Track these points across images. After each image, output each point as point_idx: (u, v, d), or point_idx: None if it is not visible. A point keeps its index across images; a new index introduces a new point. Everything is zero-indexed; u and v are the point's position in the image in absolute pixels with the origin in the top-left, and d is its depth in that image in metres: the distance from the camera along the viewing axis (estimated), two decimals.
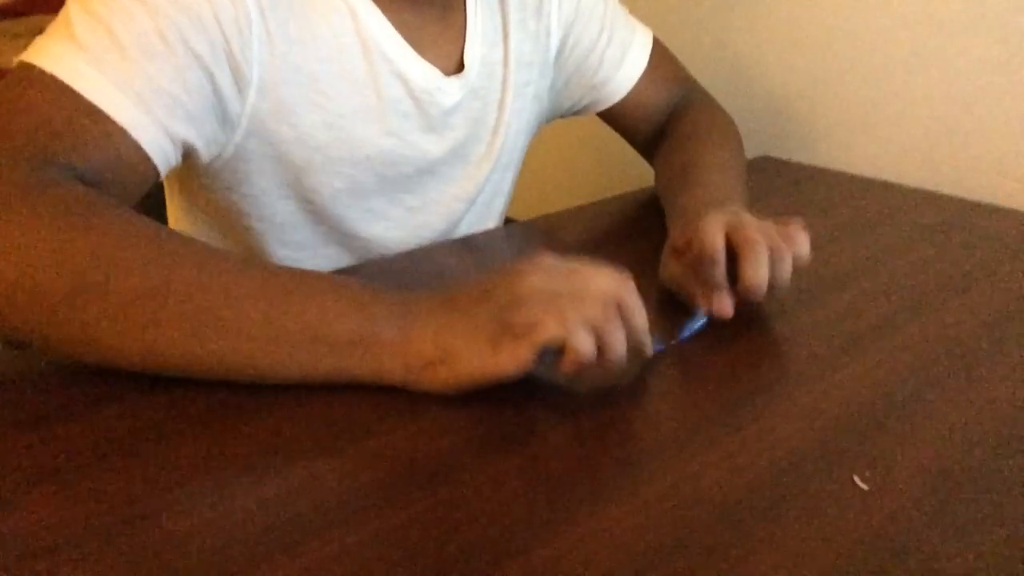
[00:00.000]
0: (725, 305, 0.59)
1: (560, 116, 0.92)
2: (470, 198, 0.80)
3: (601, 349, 0.47)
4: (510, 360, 0.46)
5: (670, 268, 0.64)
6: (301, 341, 0.47)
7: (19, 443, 0.44)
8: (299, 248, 0.74)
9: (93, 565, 0.36)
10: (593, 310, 0.47)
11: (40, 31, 0.56)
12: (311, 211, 0.72)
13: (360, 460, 0.44)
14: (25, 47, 0.55)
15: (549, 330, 0.46)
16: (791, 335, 0.60)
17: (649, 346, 0.51)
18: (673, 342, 0.57)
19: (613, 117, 0.91)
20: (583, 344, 0.46)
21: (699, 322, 0.59)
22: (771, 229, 0.59)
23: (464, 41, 0.75)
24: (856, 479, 0.44)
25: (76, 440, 0.44)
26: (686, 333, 0.58)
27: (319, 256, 0.75)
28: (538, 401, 0.49)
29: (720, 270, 0.58)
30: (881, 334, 0.59)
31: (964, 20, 0.93)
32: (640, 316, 0.49)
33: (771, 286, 0.58)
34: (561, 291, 0.47)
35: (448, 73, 0.73)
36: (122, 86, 0.55)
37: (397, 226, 0.77)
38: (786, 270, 0.58)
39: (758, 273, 0.57)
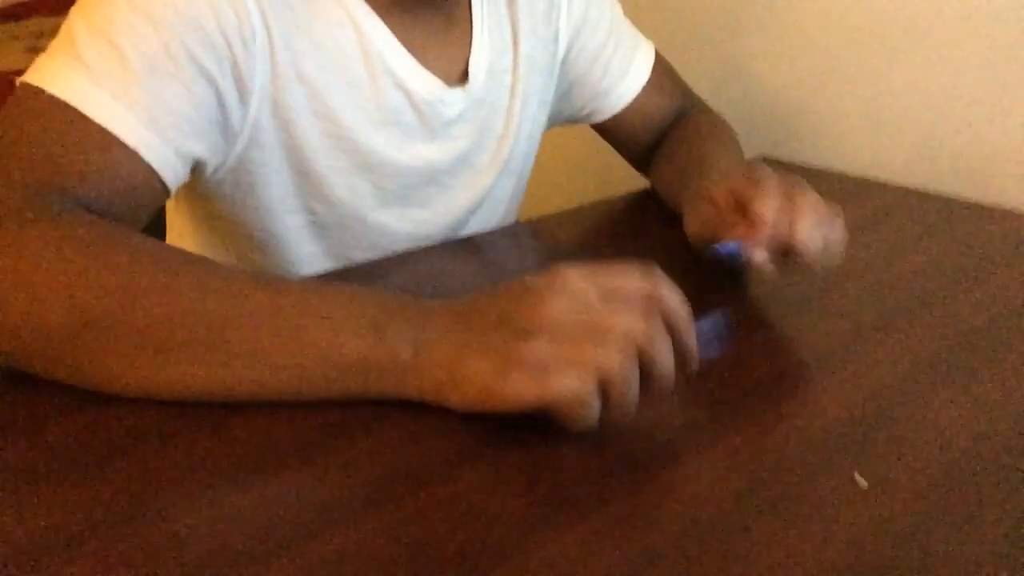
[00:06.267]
0: (761, 238, 0.56)
1: (558, 125, 0.91)
2: (474, 207, 0.80)
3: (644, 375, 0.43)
4: (513, 393, 0.43)
5: (701, 212, 0.62)
6: (313, 364, 0.45)
7: (18, 442, 0.44)
8: (304, 263, 0.73)
9: (93, 565, 0.36)
10: (616, 358, 0.42)
11: (40, 33, 0.56)
12: (315, 223, 0.71)
13: (359, 459, 0.44)
14: (24, 49, 0.55)
15: (567, 387, 0.42)
16: (791, 334, 0.60)
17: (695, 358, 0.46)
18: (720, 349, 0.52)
19: (611, 128, 0.90)
20: (593, 407, 0.42)
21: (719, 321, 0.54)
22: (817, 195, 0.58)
23: (469, 50, 0.74)
24: (856, 476, 0.43)
25: (76, 440, 0.44)
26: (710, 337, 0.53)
27: (324, 270, 0.74)
28: None
29: (772, 183, 0.56)
30: (881, 334, 0.59)
31: (964, 20, 0.93)
32: (687, 331, 0.45)
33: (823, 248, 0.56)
34: (583, 328, 0.43)
35: (451, 82, 0.72)
36: (131, 105, 0.53)
37: (402, 238, 0.76)
38: (837, 237, 0.56)
39: (812, 229, 0.55)
